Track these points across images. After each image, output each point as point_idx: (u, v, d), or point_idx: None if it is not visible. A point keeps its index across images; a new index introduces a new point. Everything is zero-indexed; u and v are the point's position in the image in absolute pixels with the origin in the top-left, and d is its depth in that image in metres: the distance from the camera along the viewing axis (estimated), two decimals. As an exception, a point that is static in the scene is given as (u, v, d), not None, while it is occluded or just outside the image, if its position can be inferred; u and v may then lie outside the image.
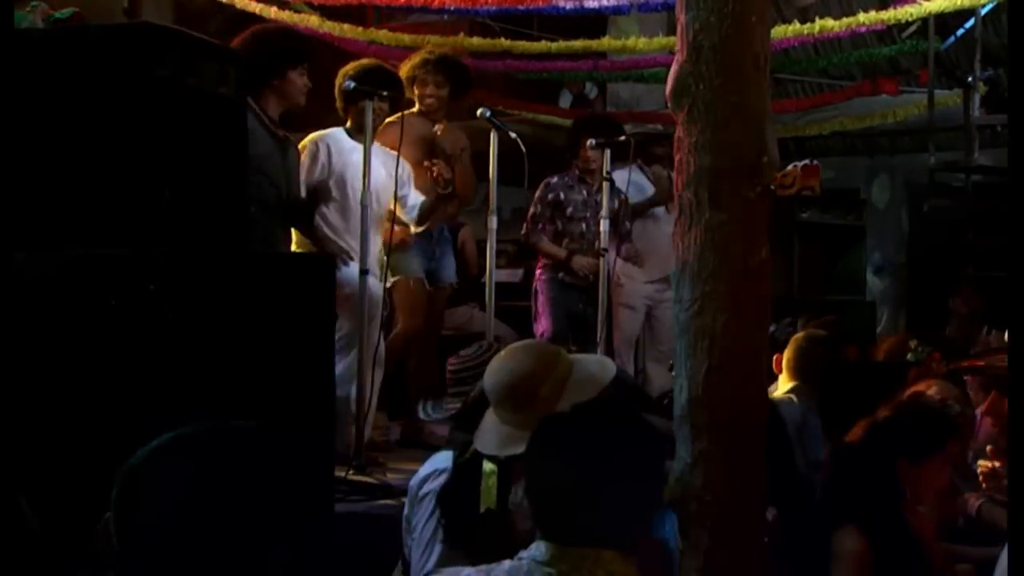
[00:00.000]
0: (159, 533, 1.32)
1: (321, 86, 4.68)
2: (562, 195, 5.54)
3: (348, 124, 4.70)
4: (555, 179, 5.59)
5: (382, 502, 3.70)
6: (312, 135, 4.66)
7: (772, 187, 2.47)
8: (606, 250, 5.40)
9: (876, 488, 2.58)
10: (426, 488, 2.56)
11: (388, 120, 4.76)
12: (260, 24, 5.32)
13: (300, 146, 4.54)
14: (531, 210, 5.56)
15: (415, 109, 4.95)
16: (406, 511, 2.69)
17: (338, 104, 4.73)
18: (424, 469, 2.65)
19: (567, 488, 1.78)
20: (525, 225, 5.58)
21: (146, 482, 1.35)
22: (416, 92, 4.93)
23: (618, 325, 5.66)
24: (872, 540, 2.51)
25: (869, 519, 2.53)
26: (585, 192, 5.58)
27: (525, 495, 1.89)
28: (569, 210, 5.54)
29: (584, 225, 5.55)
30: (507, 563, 1.79)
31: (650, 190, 5.81)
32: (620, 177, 5.73)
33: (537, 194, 5.59)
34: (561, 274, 5.53)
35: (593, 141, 5.49)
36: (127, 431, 2.21)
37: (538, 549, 1.77)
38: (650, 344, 5.94)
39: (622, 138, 5.75)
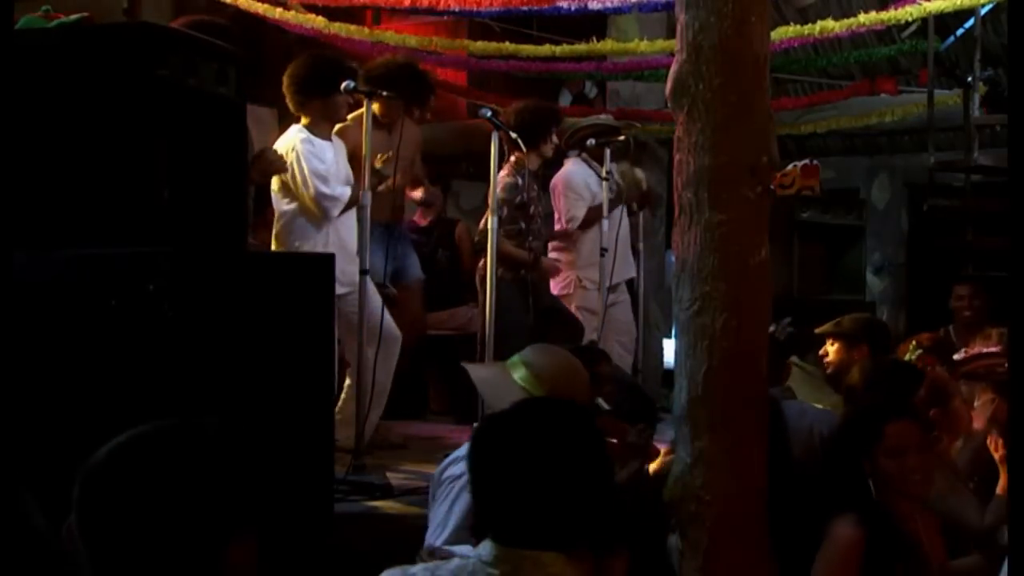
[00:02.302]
0: (123, 532, 1.31)
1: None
2: (525, 196, 5.34)
3: (305, 121, 4.54)
4: (519, 180, 5.31)
5: (382, 502, 3.70)
6: (290, 140, 4.50)
7: (772, 187, 2.46)
8: (605, 250, 5.39)
9: (850, 482, 2.62)
10: (448, 472, 2.59)
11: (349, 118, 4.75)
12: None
13: (284, 150, 4.47)
14: (499, 211, 5.35)
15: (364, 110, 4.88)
16: (431, 491, 2.72)
17: (294, 99, 4.55)
18: (456, 452, 2.67)
19: (507, 488, 1.78)
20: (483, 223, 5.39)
21: (108, 482, 1.34)
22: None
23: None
24: (867, 532, 2.53)
25: (864, 511, 2.56)
26: (536, 188, 5.46)
27: (470, 494, 1.88)
28: (532, 209, 5.37)
29: (539, 220, 5.43)
30: (455, 561, 1.81)
31: (594, 185, 5.63)
32: (581, 171, 5.67)
33: (504, 196, 5.21)
34: (523, 271, 5.35)
35: (593, 140, 5.48)
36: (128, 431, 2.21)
37: (484, 548, 1.78)
38: (612, 333, 5.86)
39: (621, 137, 5.74)
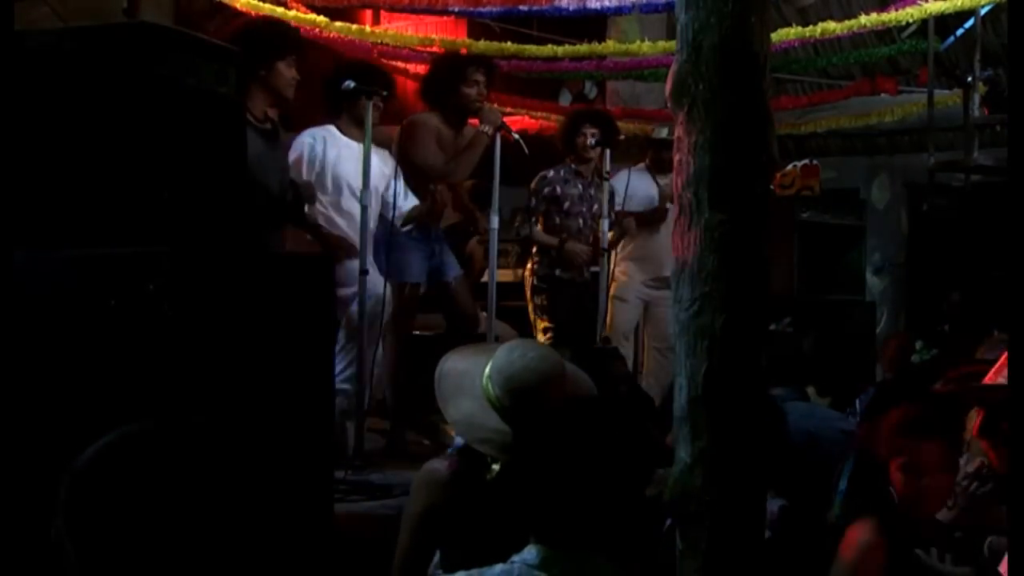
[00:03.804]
0: (111, 532, 1.30)
1: (316, 84, 4.72)
2: (558, 189, 5.54)
3: (340, 121, 4.70)
4: (551, 173, 5.58)
5: (382, 502, 3.70)
6: (308, 130, 4.65)
7: (772, 187, 2.46)
8: (606, 250, 5.41)
9: (871, 487, 2.59)
10: None
11: (415, 118, 4.79)
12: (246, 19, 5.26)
13: (304, 138, 4.56)
14: (527, 203, 5.57)
15: (436, 110, 4.91)
16: None
17: (326, 108, 4.72)
18: None
19: (559, 489, 1.73)
20: (518, 217, 5.58)
21: (95, 481, 1.33)
22: (459, 90, 4.85)
23: (611, 318, 5.70)
24: (887, 538, 2.50)
25: (883, 515, 2.53)
26: (581, 186, 5.60)
27: (516, 496, 1.83)
28: (566, 204, 5.55)
29: (581, 220, 5.58)
30: (499, 567, 1.74)
31: (652, 192, 5.84)
32: (621, 177, 5.76)
33: (533, 187, 5.58)
34: (558, 271, 5.53)
35: (593, 140, 5.51)
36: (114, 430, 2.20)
37: (529, 552, 1.73)
38: (650, 339, 5.98)
39: (622, 137, 5.79)
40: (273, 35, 4.32)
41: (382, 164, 4.64)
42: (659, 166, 5.93)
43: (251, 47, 3.99)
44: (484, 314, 5.25)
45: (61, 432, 2.50)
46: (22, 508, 2.36)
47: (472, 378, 2.48)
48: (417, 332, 5.36)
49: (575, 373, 2.68)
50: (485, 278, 5.30)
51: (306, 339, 3.02)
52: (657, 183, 5.90)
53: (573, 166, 5.61)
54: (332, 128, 4.68)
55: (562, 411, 1.90)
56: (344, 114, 4.69)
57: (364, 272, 4.26)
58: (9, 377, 2.36)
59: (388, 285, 4.50)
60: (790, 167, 5.99)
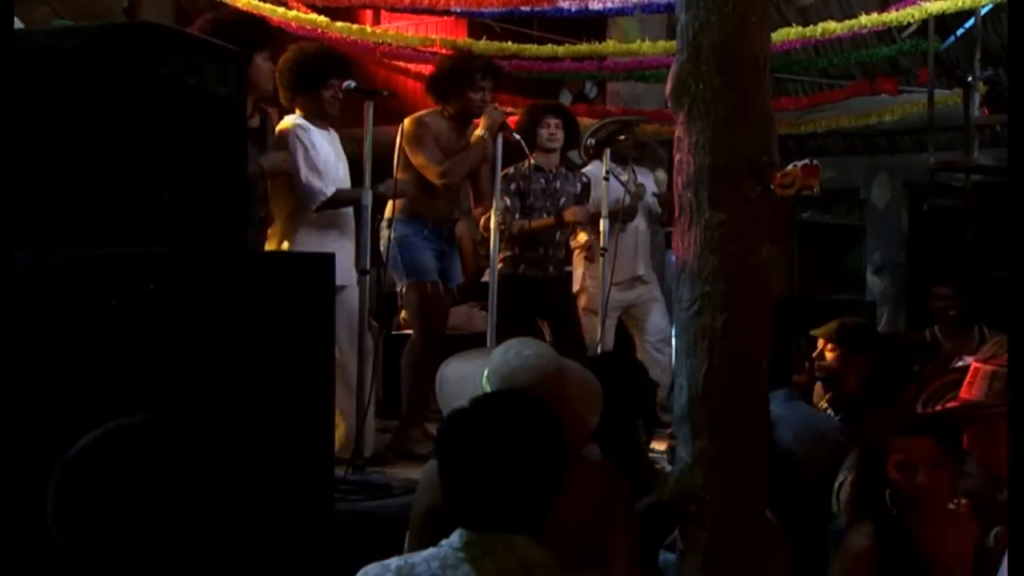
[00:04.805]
0: (98, 526, 1.29)
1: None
2: (521, 185, 5.38)
3: (298, 112, 4.49)
4: (511, 170, 5.39)
5: (382, 502, 3.70)
6: (287, 122, 4.46)
7: (772, 187, 2.46)
8: (605, 250, 5.38)
9: (867, 490, 2.58)
10: None
11: (417, 117, 4.77)
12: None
13: (279, 129, 4.45)
14: (503, 204, 5.31)
15: (440, 109, 4.89)
16: None
17: (285, 92, 4.52)
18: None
19: (476, 476, 1.89)
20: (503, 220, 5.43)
21: (84, 474, 1.33)
22: (464, 94, 4.82)
23: (585, 331, 5.57)
24: (879, 541, 2.49)
25: (878, 519, 2.52)
26: (543, 181, 5.43)
27: (440, 483, 1.98)
28: (529, 200, 5.37)
29: (544, 215, 5.40)
30: (428, 551, 1.89)
31: (616, 187, 5.62)
32: (592, 172, 5.67)
33: (499, 187, 5.21)
34: (523, 267, 5.37)
35: (592, 141, 5.49)
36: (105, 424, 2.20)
37: (455, 536, 1.87)
38: (640, 338, 5.91)
39: (622, 137, 5.74)
40: (247, 28, 4.23)
41: (340, 159, 4.57)
42: (618, 156, 5.72)
43: (227, 41, 3.89)
44: (484, 313, 5.24)
45: (62, 432, 2.50)
46: (22, 509, 2.36)
47: (473, 381, 2.51)
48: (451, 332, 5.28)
49: (577, 370, 2.67)
50: (485, 278, 5.28)
51: (306, 338, 3.02)
52: (619, 179, 5.65)
53: (534, 161, 5.35)
54: (303, 120, 4.49)
55: (475, 405, 2.02)
56: (301, 107, 4.51)
57: (365, 272, 4.25)
58: (10, 377, 2.36)
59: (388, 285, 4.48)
60: (790, 167, 5.98)
